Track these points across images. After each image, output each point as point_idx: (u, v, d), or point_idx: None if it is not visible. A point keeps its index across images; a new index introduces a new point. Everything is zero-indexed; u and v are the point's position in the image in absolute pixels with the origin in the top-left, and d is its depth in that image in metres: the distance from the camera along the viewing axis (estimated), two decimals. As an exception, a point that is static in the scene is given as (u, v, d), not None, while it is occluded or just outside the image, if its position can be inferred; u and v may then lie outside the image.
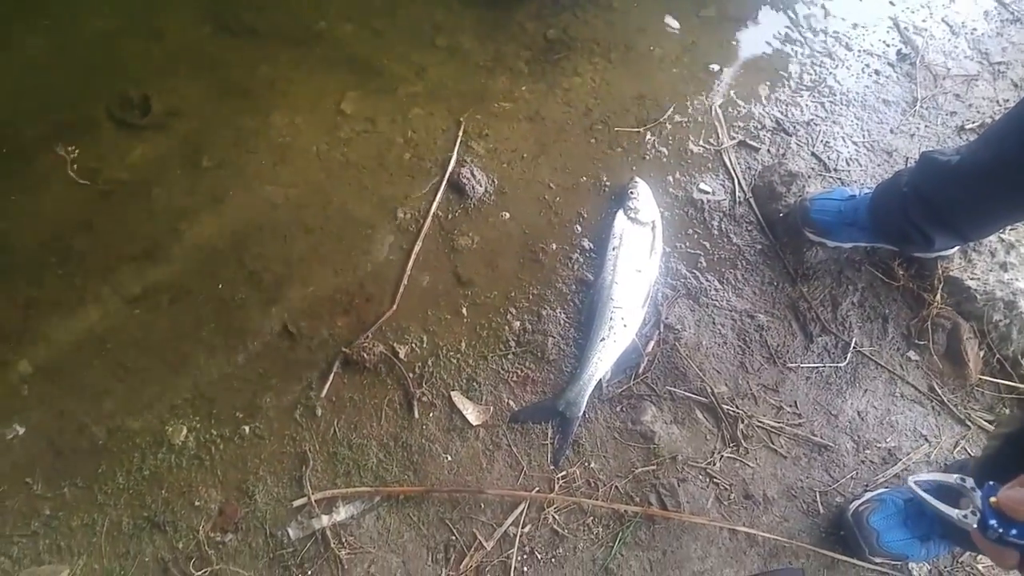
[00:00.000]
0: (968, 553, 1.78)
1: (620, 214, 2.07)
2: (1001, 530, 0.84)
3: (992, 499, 0.85)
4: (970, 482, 1.02)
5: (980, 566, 1.78)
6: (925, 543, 1.67)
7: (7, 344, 1.94)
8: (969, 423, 1.93)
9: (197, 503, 1.76)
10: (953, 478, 1.04)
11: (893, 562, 1.73)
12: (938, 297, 2.03)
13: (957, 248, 2.00)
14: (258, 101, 2.31)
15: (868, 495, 1.79)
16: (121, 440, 1.84)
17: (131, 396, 1.89)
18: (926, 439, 1.91)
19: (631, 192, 2.10)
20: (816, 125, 2.34)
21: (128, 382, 1.91)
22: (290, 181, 2.18)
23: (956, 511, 1.00)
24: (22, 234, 2.09)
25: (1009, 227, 2.02)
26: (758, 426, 1.89)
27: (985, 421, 1.93)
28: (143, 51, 2.38)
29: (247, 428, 1.86)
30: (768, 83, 2.42)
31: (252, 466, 1.81)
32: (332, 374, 1.91)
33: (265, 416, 1.87)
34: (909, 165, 2.19)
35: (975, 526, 0.89)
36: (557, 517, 1.76)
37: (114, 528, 1.74)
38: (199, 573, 1.69)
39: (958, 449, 1.90)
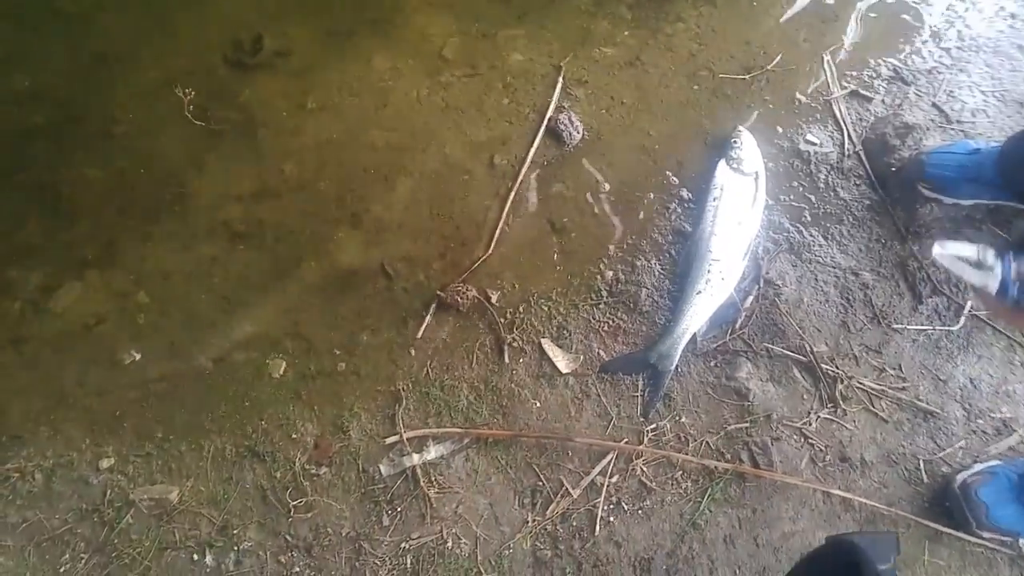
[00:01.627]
0: None
1: (722, 164, 1.85)
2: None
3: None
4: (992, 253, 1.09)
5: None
6: None
7: (128, 275, 1.90)
8: (1097, 396, 1.64)
9: (294, 435, 1.69)
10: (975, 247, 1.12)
11: (1003, 538, 1.49)
12: (1068, 260, 1.71)
13: None
14: (361, 44, 2.17)
15: (978, 467, 1.56)
16: (225, 371, 1.78)
17: (235, 329, 1.83)
18: (1047, 410, 1.64)
19: (734, 141, 1.87)
20: (939, 73, 2.03)
21: (233, 315, 1.85)
22: (391, 125, 2.05)
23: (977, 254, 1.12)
24: (142, 172, 2.03)
25: None
26: (858, 387, 1.68)
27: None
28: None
29: (343, 365, 1.76)
30: (887, 28, 2.10)
31: (347, 402, 1.72)
32: (427, 316, 1.78)
33: (361, 353, 1.77)
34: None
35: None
36: (645, 469, 1.61)
37: (218, 454, 1.68)
38: (295, 503, 1.62)
39: (1081, 424, 1.62)
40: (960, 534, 1.55)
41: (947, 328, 1.74)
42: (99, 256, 1.95)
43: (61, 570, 1.56)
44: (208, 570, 1.56)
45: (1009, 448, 1.63)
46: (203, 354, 1.81)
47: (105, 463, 1.68)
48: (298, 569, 1.56)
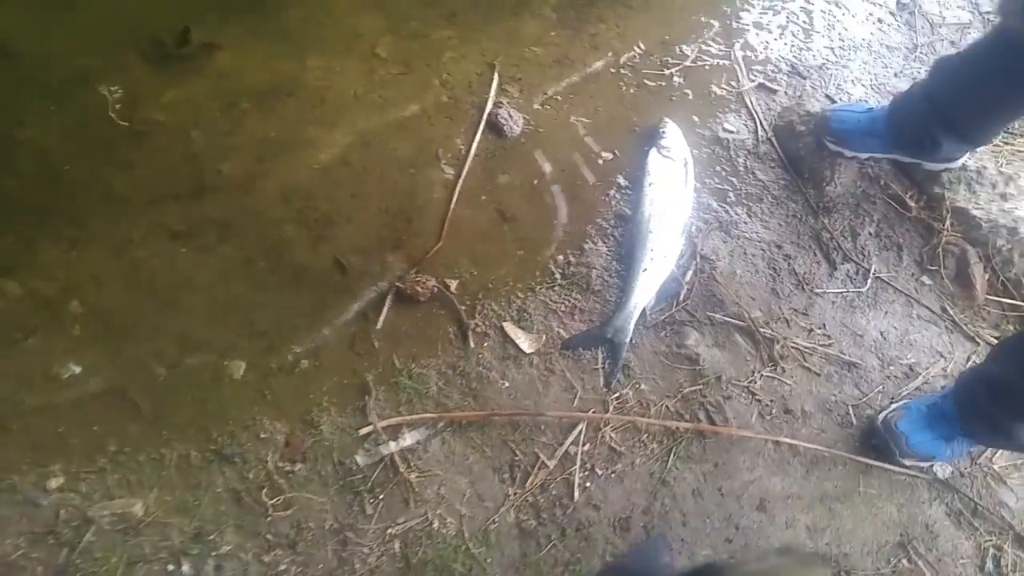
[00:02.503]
0: (986, 453, 1.78)
1: (653, 152, 2.00)
2: None
3: None
4: None
5: (996, 466, 1.78)
6: (949, 443, 1.70)
7: (54, 284, 1.79)
8: (979, 339, 1.95)
9: (263, 435, 1.66)
10: None
11: (922, 463, 1.72)
12: (947, 226, 2.02)
13: (960, 160, 2.01)
14: (293, 44, 2.15)
15: (894, 405, 1.77)
16: (180, 377, 1.72)
17: (186, 334, 1.76)
18: (941, 355, 1.91)
19: (662, 131, 2.03)
20: (828, 69, 2.29)
21: (181, 320, 1.78)
22: (331, 123, 2.05)
23: None
24: (62, 174, 1.90)
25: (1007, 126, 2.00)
26: (792, 347, 1.86)
27: (992, 337, 1.94)
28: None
29: (305, 362, 1.75)
30: (782, 30, 2.35)
31: (315, 398, 1.71)
32: (386, 307, 1.81)
33: (323, 349, 1.77)
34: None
35: None
36: (613, 436, 1.71)
37: (183, 462, 1.62)
38: (273, 501, 1.58)
39: (970, 362, 1.90)
40: (886, 465, 1.76)
41: (858, 290, 1.98)
42: (18, 266, 1.80)
43: (18, 600, 1.44)
44: (187, 579, 1.49)
45: (916, 388, 1.87)
46: (153, 361, 1.74)
47: (53, 483, 1.58)
48: (284, 567, 1.53)
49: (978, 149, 1.98)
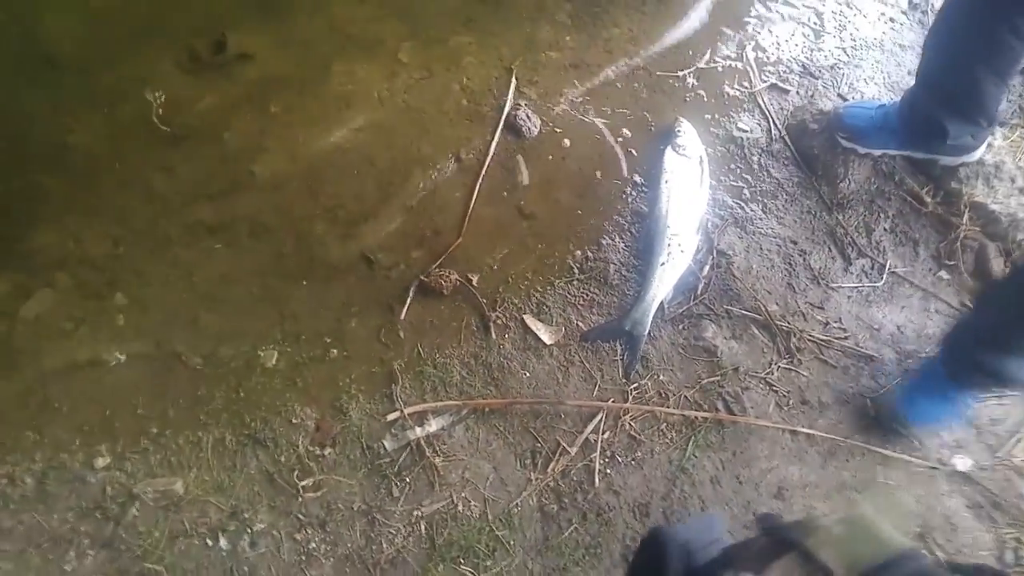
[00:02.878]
0: (1006, 447, 1.85)
1: (669, 150, 2.08)
2: None
3: None
4: None
5: (1017, 460, 1.82)
6: (950, 401, 1.77)
7: (101, 277, 1.91)
8: (997, 333, 1.96)
9: (294, 421, 1.75)
10: None
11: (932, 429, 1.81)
12: (965, 220, 2.06)
13: (977, 153, 2.04)
14: (318, 51, 2.27)
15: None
16: (216, 365, 1.82)
17: (221, 325, 1.87)
18: (960, 348, 1.94)
19: (677, 131, 2.11)
20: (840, 69, 2.36)
21: (217, 312, 1.89)
22: (356, 125, 2.16)
23: None
24: (103, 175, 2.06)
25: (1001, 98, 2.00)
26: (809, 339, 1.93)
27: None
28: (205, 5, 2.31)
29: (335, 351, 1.85)
30: (793, 31, 2.43)
31: (343, 385, 1.80)
32: (409, 299, 1.90)
33: (351, 339, 1.86)
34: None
35: None
36: (633, 424, 1.78)
37: (218, 444, 1.72)
38: (304, 482, 1.68)
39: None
40: (905, 456, 1.81)
41: (873, 284, 2.03)
42: (67, 261, 1.94)
43: (68, 568, 1.56)
44: (224, 553, 1.60)
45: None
46: (190, 351, 1.84)
47: (100, 462, 1.68)
48: (314, 544, 1.62)
49: (987, 133, 2.00)
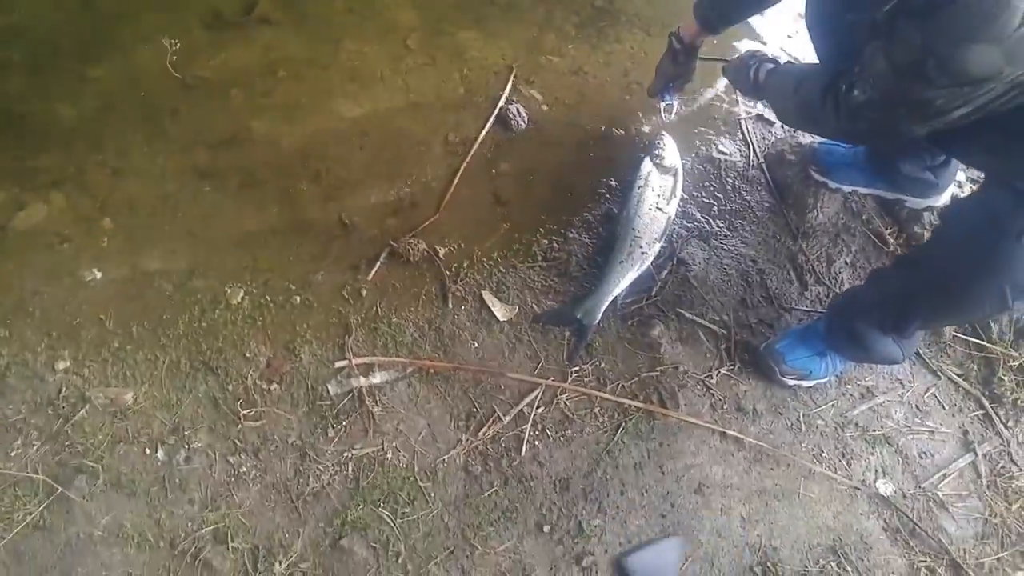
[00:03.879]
0: (932, 479, 1.96)
1: (647, 159, 2.23)
2: None
3: None
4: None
5: (941, 493, 1.92)
6: (822, 359, 1.93)
7: (94, 202, 2.09)
8: (940, 374, 2.09)
9: (247, 355, 1.90)
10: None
11: (801, 381, 1.98)
12: (923, 264, 2.17)
13: (943, 197, 2.20)
14: (332, 29, 2.48)
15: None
16: (185, 295, 1.99)
17: (196, 259, 2.04)
18: (901, 382, 2.07)
19: (658, 142, 2.27)
20: (828, 109, 2.51)
21: (194, 247, 2.06)
22: (356, 98, 2.35)
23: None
24: (114, 110, 2.27)
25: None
26: (753, 351, 2.04)
27: (955, 373, 2.09)
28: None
29: (298, 298, 2.01)
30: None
31: (300, 330, 1.95)
32: (379, 262, 2.06)
33: (315, 290, 2.02)
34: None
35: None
36: (568, 403, 1.91)
37: (173, 366, 1.87)
38: (246, 411, 1.82)
39: (928, 393, 2.05)
40: (829, 472, 1.91)
41: (823, 312, 2.16)
42: (66, 182, 2.13)
43: (12, 454, 1.70)
44: (159, 463, 1.74)
45: (870, 409, 2.03)
46: (163, 279, 2.01)
47: (61, 365, 1.84)
48: (245, 469, 1.76)
49: (947, 175, 2.15)
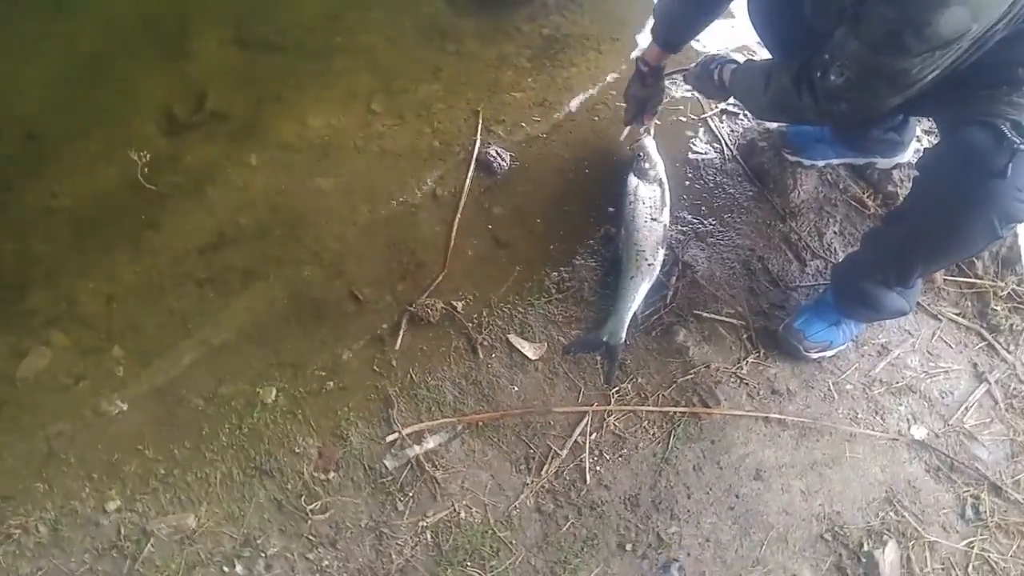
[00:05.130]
0: (957, 415, 2.15)
1: (631, 175, 2.39)
2: None
3: None
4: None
5: (967, 425, 2.12)
6: (838, 327, 2.11)
7: (97, 334, 2.12)
8: (940, 317, 2.30)
9: (297, 450, 1.97)
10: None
11: (824, 352, 2.15)
12: (902, 218, 2.40)
13: (908, 153, 2.43)
14: (292, 107, 2.57)
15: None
16: (217, 405, 2.03)
17: (219, 367, 2.09)
18: (909, 333, 2.27)
19: (639, 155, 2.42)
20: (780, 91, 2.73)
21: (213, 355, 2.11)
22: (335, 172, 2.44)
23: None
24: (93, 237, 2.31)
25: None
26: (774, 335, 2.21)
27: (953, 314, 2.30)
28: (179, 71, 2.62)
29: (331, 383, 2.08)
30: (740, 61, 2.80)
31: (342, 414, 2.03)
32: (401, 329, 2.15)
33: (346, 370, 2.10)
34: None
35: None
36: (617, 424, 2.04)
37: (226, 479, 1.93)
38: (311, 506, 1.89)
39: (935, 338, 2.26)
40: (867, 431, 2.09)
41: (828, 283, 2.35)
42: (61, 319, 2.15)
43: (91, 606, 1.73)
44: (241, 578, 1.79)
45: (889, 364, 2.22)
46: (191, 394, 2.06)
47: (112, 505, 1.87)
48: (327, 562, 1.83)
49: (909, 132, 2.38)
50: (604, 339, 2.11)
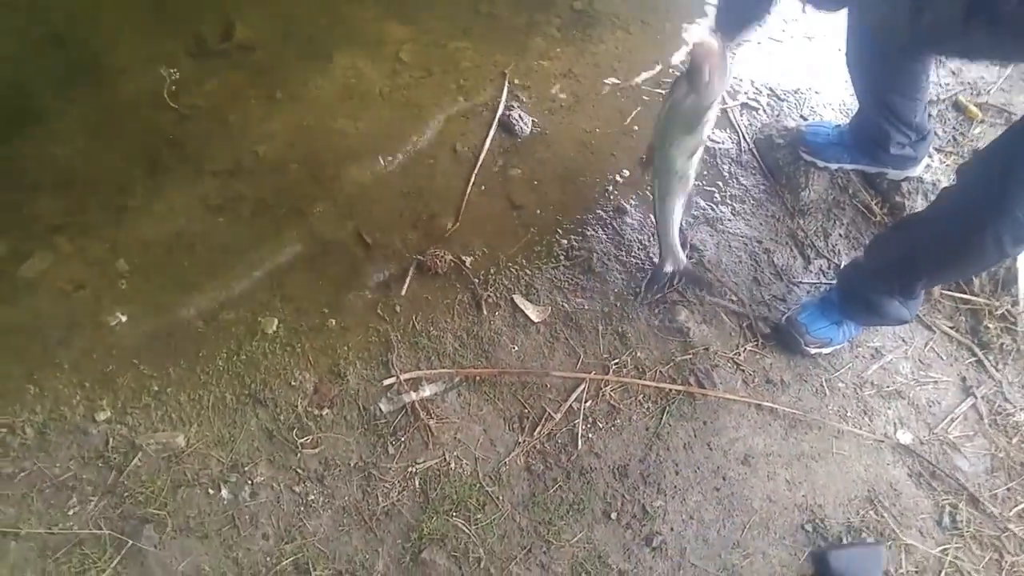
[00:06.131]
0: (942, 424, 2.10)
1: (680, 77, 1.76)
2: None
3: None
4: None
5: (952, 436, 2.07)
6: (839, 327, 2.06)
7: (102, 244, 2.01)
8: (934, 328, 2.24)
9: (293, 383, 1.87)
10: None
11: (823, 348, 2.10)
12: (908, 229, 2.33)
13: (919, 168, 2.36)
14: (321, 47, 2.45)
15: (795, 306, 2.16)
16: (218, 329, 1.93)
17: (222, 292, 1.99)
18: (903, 340, 2.21)
19: (695, 58, 1.66)
20: (802, 94, 2.66)
21: (218, 281, 2.01)
22: (358, 115, 2.33)
23: None
24: (112, 148, 2.19)
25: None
26: (773, 326, 2.14)
27: (947, 327, 2.24)
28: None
29: (333, 321, 1.98)
30: (760, 57, 2.72)
31: (341, 352, 1.93)
32: (408, 277, 2.05)
33: (350, 311, 2.00)
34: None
35: None
36: (613, 395, 1.96)
37: (219, 403, 1.83)
38: (302, 440, 1.79)
39: (928, 347, 2.20)
40: (855, 429, 2.03)
41: (831, 282, 2.28)
42: (69, 226, 2.03)
43: (70, 512, 1.63)
44: (226, 502, 1.70)
45: (881, 367, 2.16)
46: (193, 314, 1.95)
47: (102, 415, 1.77)
48: (313, 497, 1.74)
49: (923, 148, 2.31)
50: (668, 269, 2.08)
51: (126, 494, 1.65)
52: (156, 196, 2.08)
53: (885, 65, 2.00)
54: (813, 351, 2.04)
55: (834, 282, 2.14)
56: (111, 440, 1.71)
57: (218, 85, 2.29)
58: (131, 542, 1.59)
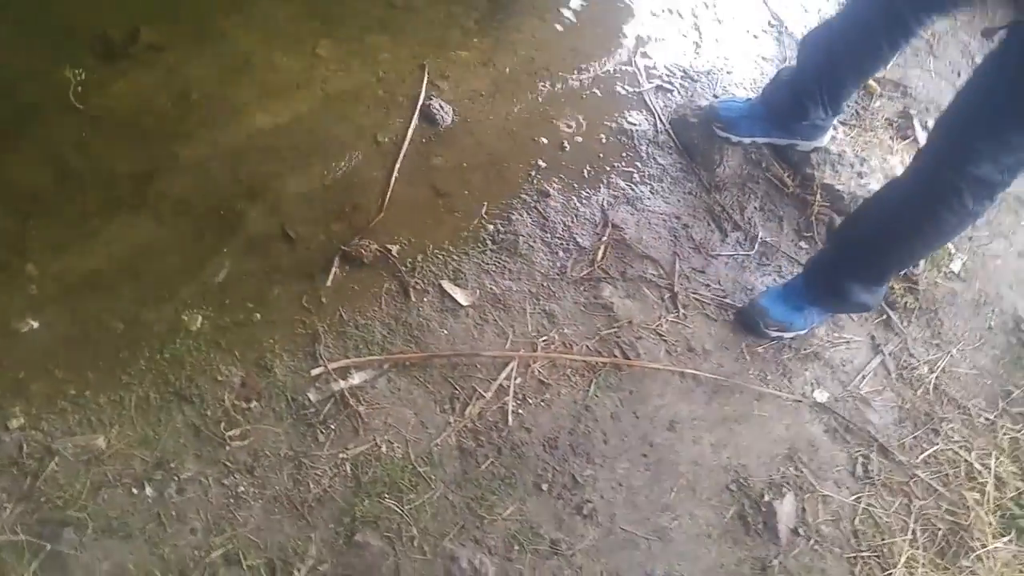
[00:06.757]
0: (855, 381, 2.17)
1: None
2: None
3: None
4: None
5: (863, 391, 2.13)
6: (801, 312, 2.10)
7: (10, 251, 1.91)
8: (846, 291, 2.30)
9: (219, 378, 1.82)
10: None
11: (784, 333, 2.14)
12: (817, 199, 2.42)
13: (825, 139, 2.44)
14: (235, 44, 2.38)
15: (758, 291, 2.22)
16: (139, 329, 1.86)
17: (142, 292, 1.92)
18: (818, 305, 2.26)
19: None
20: (714, 74, 2.71)
21: (137, 281, 1.94)
22: (276, 111, 2.28)
23: None
24: (16, 151, 2.08)
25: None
26: (693, 297, 2.18)
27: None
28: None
29: (258, 315, 1.94)
30: (673, 41, 2.76)
31: (268, 345, 1.89)
32: (333, 268, 2.02)
33: (275, 304, 1.95)
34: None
35: None
36: (541, 371, 1.96)
37: (142, 402, 1.76)
38: (230, 432, 1.74)
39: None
40: (775, 391, 2.07)
41: (747, 253, 2.34)
42: (-31, 236, 1.93)
43: (-17, 522, 1.54)
44: (151, 500, 1.63)
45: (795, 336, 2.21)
46: (110, 317, 1.88)
47: (14, 423, 1.68)
48: (243, 488, 1.69)
49: (830, 121, 2.38)
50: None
51: (43, 499, 1.57)
52: (68, 201, 1.99)
53: (867, 43, 2.05)
54: (773, 334, 2.10)
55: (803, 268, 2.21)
56: (25, 447, 1.63)
57: (127, 86, 2.20)
58: (49, 546, 1.52)
